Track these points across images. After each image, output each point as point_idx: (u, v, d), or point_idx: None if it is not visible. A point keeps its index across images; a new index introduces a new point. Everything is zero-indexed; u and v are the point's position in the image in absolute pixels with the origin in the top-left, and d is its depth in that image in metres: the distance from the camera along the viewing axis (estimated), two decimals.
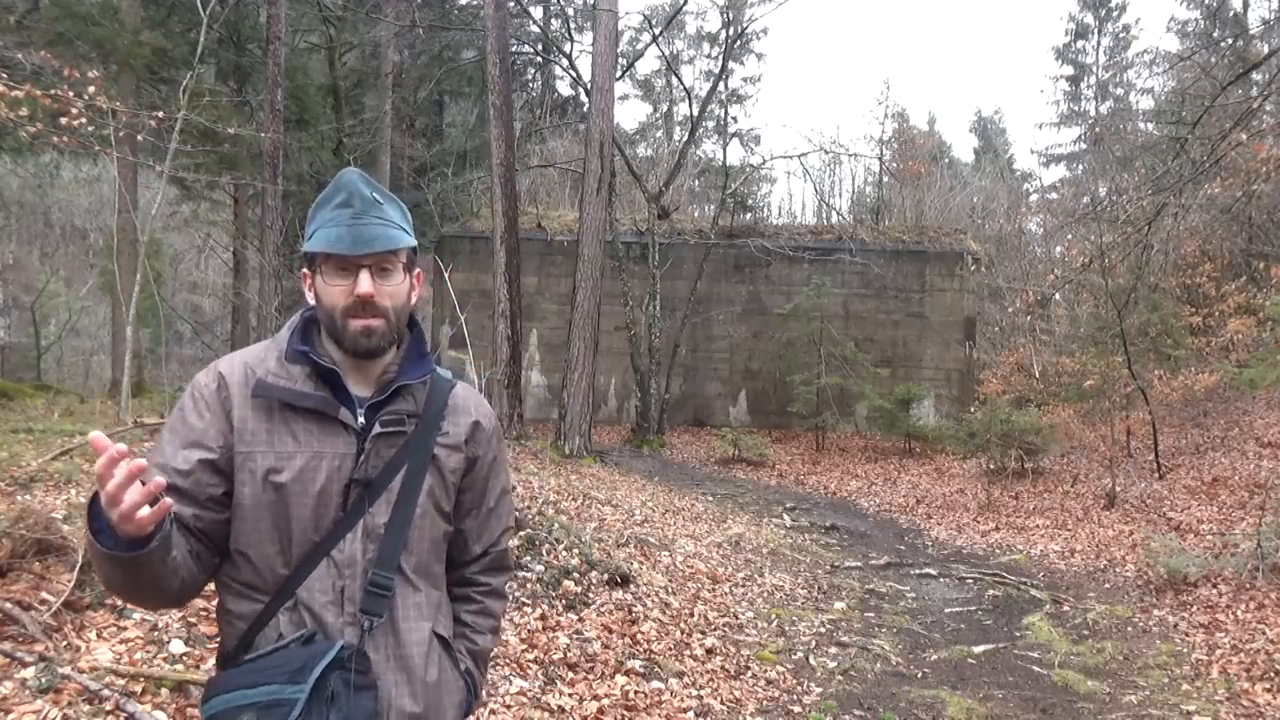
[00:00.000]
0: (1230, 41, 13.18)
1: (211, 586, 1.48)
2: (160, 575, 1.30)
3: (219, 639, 1.48)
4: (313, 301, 1.48)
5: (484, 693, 1.66)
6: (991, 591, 7.16)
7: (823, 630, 5.87)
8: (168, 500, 1.23)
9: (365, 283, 1.41)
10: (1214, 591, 6.39)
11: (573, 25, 20.36)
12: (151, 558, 1.25)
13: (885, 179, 24.25)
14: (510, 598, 4.81)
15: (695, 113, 18.62)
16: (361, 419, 1.44)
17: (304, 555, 1.40)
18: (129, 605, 1.40)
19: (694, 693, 4.40)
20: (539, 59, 24.04)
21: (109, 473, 1.16)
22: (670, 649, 4.93)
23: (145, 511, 1.19)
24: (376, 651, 1.40)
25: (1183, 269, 15.93)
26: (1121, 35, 32.53)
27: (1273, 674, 4.87)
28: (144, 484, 1.19)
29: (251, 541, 1.40)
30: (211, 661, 3.23)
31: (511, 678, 4.00)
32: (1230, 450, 10.92)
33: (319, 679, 1.30)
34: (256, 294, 14.11)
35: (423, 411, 1.49)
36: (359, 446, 1.43)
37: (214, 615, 3.52)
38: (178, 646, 3.29)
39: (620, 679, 4.32)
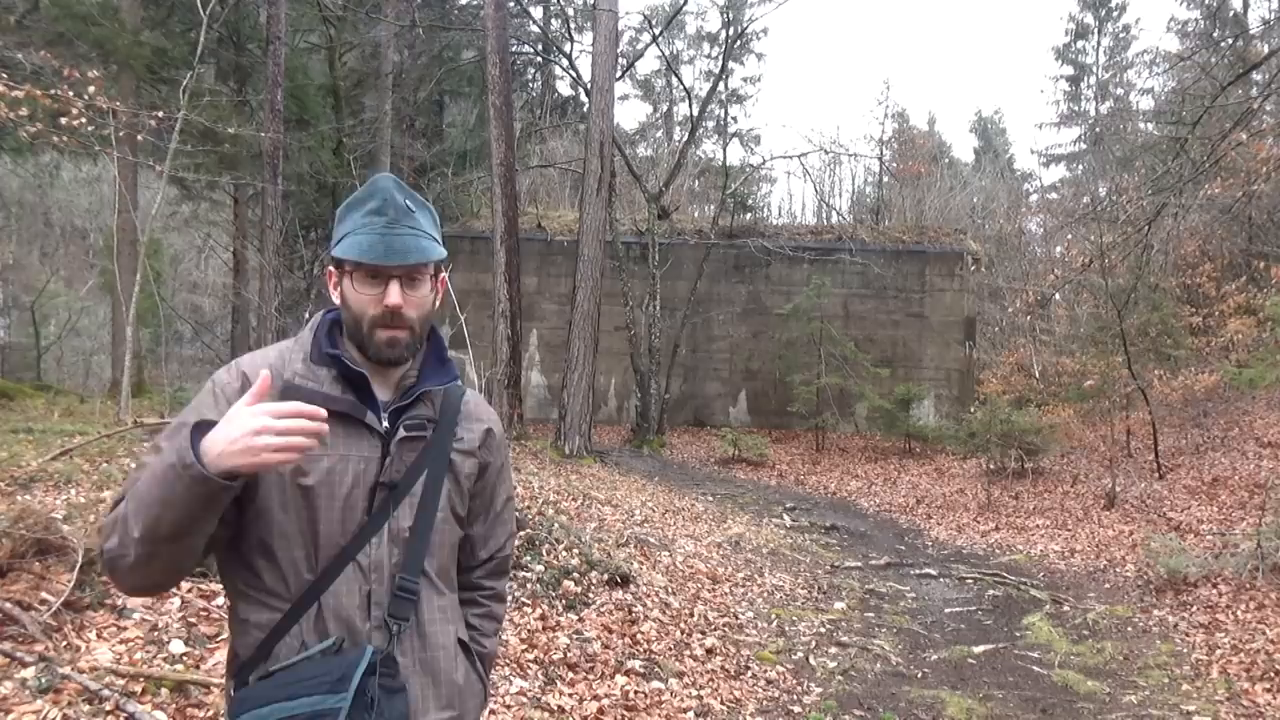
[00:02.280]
0: (1230, 41, 13.18)
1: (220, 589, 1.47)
2: (208, 527, 1.29)
3: (231, 649, 1.45)
4: (337, 302, 1.47)
5: (490, 696, 1.66)
6: (991, 591, 7.16)
7: (823, 630, 5.87)
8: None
9: (395, 294, 1.40)
10: (1214, 591, 6.39)
11: (573, 25, 20.36)
12: (228, 495, 1.25)
13: (885, 179, 24.26)
14: (509, 598, 4.81)
15: (695, 113, 18.63)
16: (385, 423, 1.45)
17: (330, 559, 1.39)
18: (131, 576, 1.35)
19: (694, 693, 4.40)
20: (539, 59, 24.05)
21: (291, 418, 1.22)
22: (670, 649, 4.93)
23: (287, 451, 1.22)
24: (404, 656, 1.41)
25: (1183, 269, 15.94)
26: (1121, 35, 32.56)
27: (1273, 674, 4.88)
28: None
29: (280, 545, 1.38)
30: (212, 662, 3.23)
31: (511, 678, 4.00)
32: (1230, 450, 10.92)
33: (358, 686, 1.30)
34: (256, 294, 14.10)
35: (439, 417, 1.51)
36: (384, 450, 1.43)
37: (214, 615, 3.53)
38: (178, 646, 3.29)
39: (620, 679, 4.32)
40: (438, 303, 1.53)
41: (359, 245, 1.40)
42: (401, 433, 1.44)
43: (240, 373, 1.45)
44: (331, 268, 1.48)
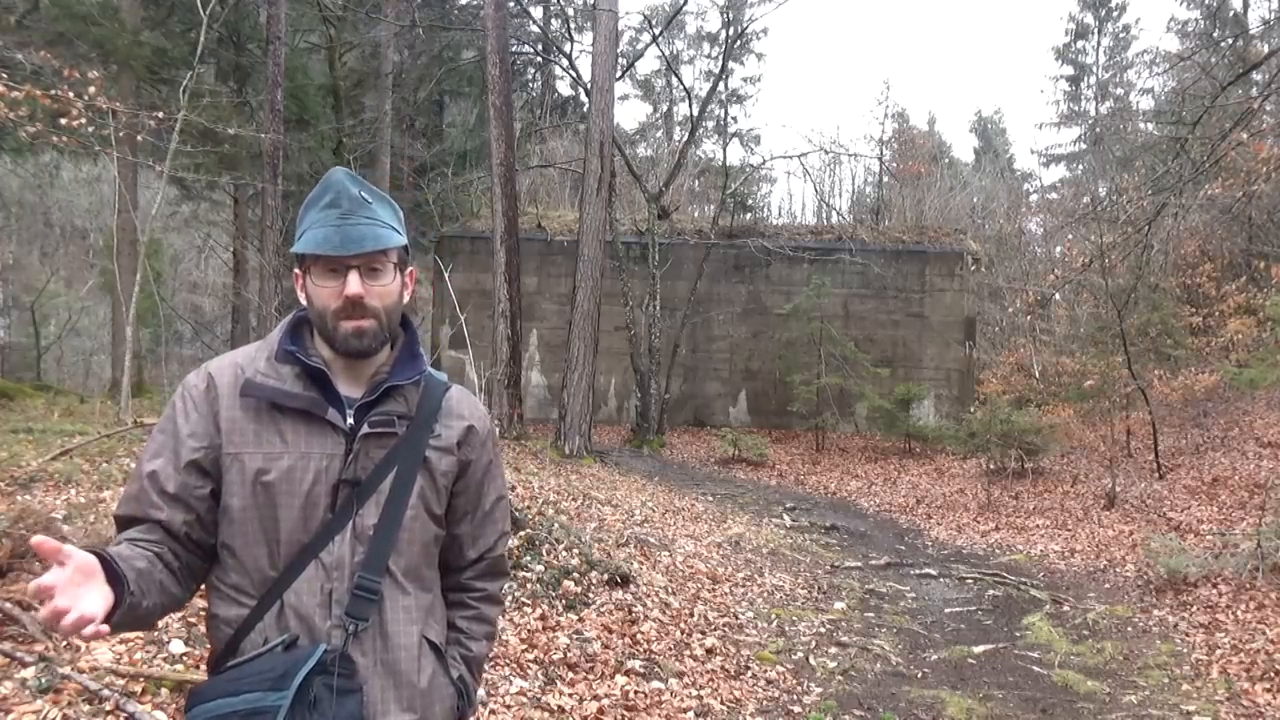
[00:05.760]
0: (1230, 41, 13.17)
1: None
2: (135, 624, 1.32)
3: (208, 645, 1.47)
4: (305, 302, 1.48)
5: (479, 698, 1.63)
6: (991, 591, 7.16)
7: (823, 630, 5.87)
8: (103, 629, 1.19)
9: (354, 283, 1.40)
10: (1214, 591, 6.39)
11: (573, 25, 20.36)
12: (117, 630, 1.25)
13: (885, 179, 24.26)
14: (509, 598, 4.81)
15: (695, 113, 18.62)
16: (350, 419, 1.43)
17: (292, 557, 1.39)
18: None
19: (694, 693, 4.40)
20: (539, 59, 24.06)
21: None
22: (670, 649, 4.93)
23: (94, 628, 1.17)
24: (364, 656, 1.39)
25: (1183, 269, 15.94)
26: (1121, 35, 32.57)
27: (1273, 674, 4.87)
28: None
29: (240, 543, 1.39)
30: None
31: (511, 678, 4.00)
32: (1230, 450, 10.92)
33: (302, 684, 1.29)
34: (256, 294, 14.12)
35: (415, 413, 1.48)
36: (348, 447, 1.42)
37: None
38: (177, 646, 3.29)
39: (620, 679, 4.31)
40: (407, 295, 1.52)
41: (315, 239, 1.41)
42: (366, 429, 1.43)
43: (207, 374, 1.47)
44: (297, 268, 1.48)
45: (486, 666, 3.35)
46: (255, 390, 1.42)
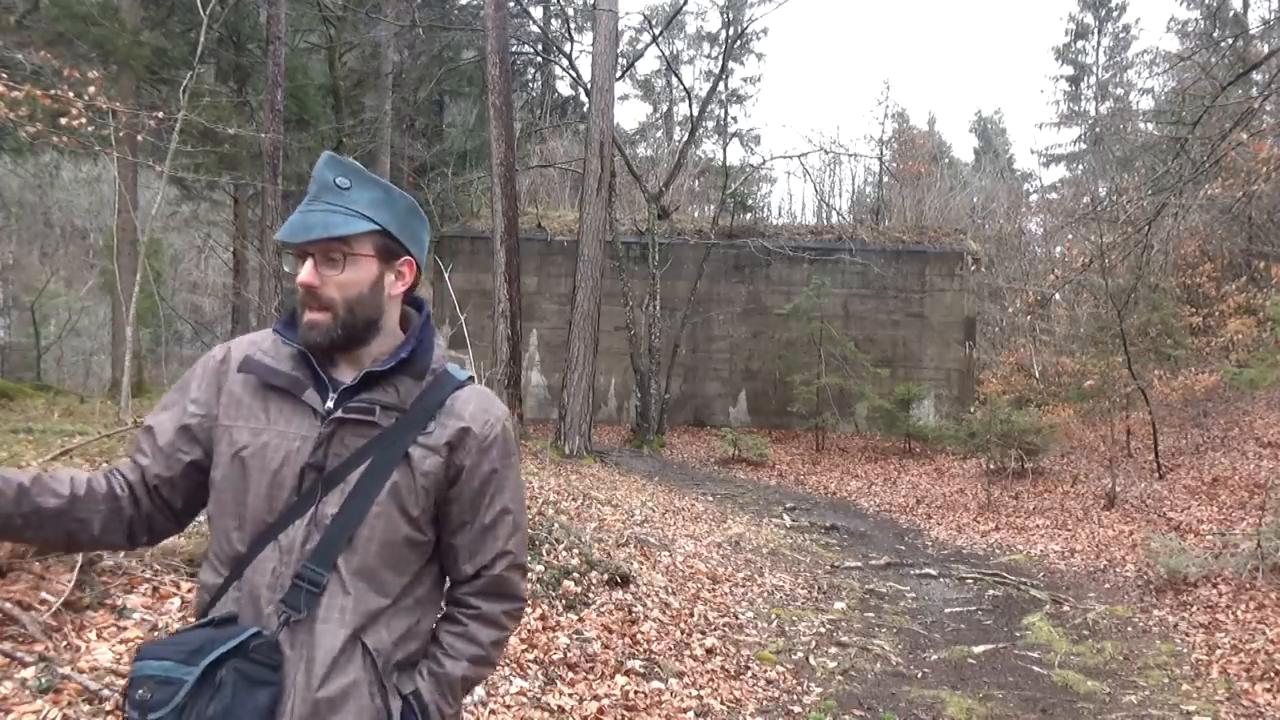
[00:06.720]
0: (1230, 41, 13.17)
1: None
2: (35, 540, 1.40)
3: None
4: None
5: (454, 712, 1.52)
6: (991, 591, 7.16)
7: (823, 630, 5.87)
8: None
9: (304, 272, 1.39)
10: (1214, 591, 6.39)
11: (573, 25, 20.36)
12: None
13: (885, 179, 24.26)
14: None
15: (695, 113, 18.62)
16: (330, 403, 1.40)
17: (257, 535, 1.38)
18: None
19: (694, 693, 4.40)
20: (539, 59, 24.06)
21: None
22: (670, 649, 4.93)
23: None
24: (292, 649, 1.33)
25: (1183, 269, 15.95)
26: (1121, 35, 32.58)
27: (1273, 674, 4.87)
28: None
29: (217, 513, 1.42)
30: None
31: (511, 678, 4.00)
32: (1230, 450, 10.92)
33: (213, 665, 1.27)
34: (256, 294, 14.12)
35: (411, 406, 1.42)
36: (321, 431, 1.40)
37: None
38: None
39: (620, 679, 4.31)
40: (399, 287, 1.46)
41: (285, 224, 1.40)
42: (339, 414, 1.38)
43: (226, 348, 1.51)
44: None
45: None
46: (251, 366, 1.44)
